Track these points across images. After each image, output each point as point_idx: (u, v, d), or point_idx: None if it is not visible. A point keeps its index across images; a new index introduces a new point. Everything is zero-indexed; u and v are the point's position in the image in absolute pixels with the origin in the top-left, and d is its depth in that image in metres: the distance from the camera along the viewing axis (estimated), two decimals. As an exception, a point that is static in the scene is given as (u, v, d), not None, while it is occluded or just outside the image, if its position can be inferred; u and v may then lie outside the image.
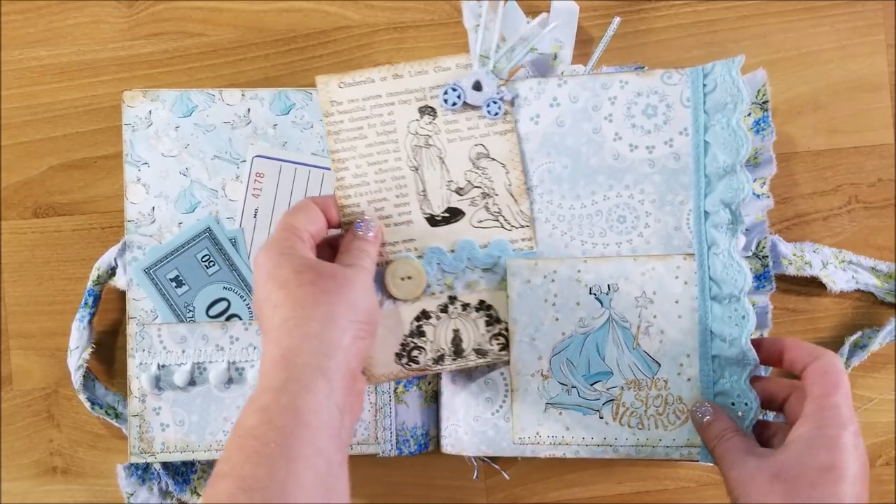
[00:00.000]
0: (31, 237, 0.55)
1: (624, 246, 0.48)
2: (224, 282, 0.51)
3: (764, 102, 0.49)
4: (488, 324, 0.48)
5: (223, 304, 0.51)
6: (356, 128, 0.48)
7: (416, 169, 0.48)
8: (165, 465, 0.53)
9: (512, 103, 0.49)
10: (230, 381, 0.51)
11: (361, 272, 0.43)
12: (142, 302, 0.51)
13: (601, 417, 0.49)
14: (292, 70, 0.55)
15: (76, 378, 0.52)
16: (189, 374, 0.51)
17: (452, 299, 0.48)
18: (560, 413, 0.49)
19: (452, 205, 0.48)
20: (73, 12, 0.55)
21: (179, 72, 0.55)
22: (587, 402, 0.49)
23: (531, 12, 0.53)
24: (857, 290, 0.53)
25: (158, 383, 0.51)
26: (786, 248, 0.52)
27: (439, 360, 0.48)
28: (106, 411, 0.52)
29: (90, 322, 0.52)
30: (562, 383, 0.49)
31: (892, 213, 0.54)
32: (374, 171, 0.48)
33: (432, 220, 0.48)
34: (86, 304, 0.52)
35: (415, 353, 0.48)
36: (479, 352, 0.48)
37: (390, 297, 0.48)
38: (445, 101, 0.48)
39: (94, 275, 0.52)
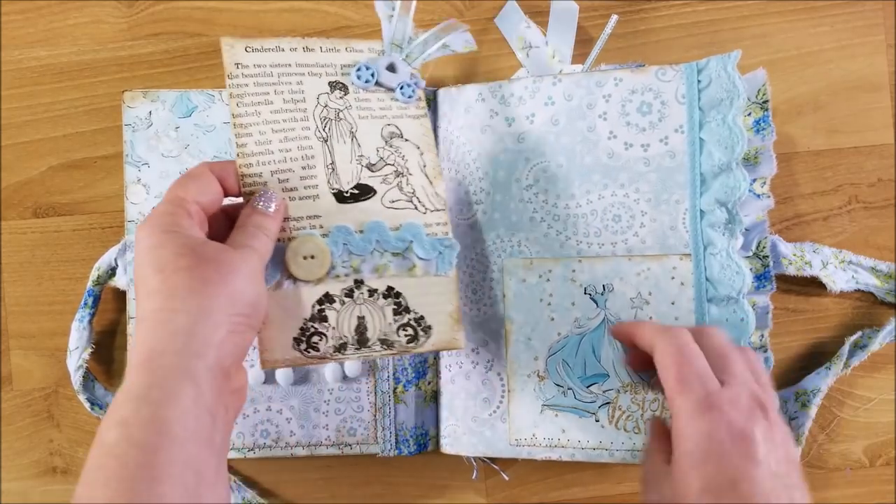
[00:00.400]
0: (31, 237, 0.55)
1: (619, 246, 0.48)
2: (224, 282, 0.51)
3: (764, 102, 0.49)
4: (396, 312, 0.44)
5: (223, 304, 0.51)
6: (262, 93, 0.45)
7: (326, 140, 0.45)
8: (165, 464, 0.53)
9: (429, 95, 0.50)
10: (230, 381, 0.51)
11: (251, 255, 0.39)
12: (142, 302, 0.51)
13: (597, 420, 0.48)
14: (292, 70, 0.55)
15: (76, 379, 0.52)
16: (189, 374, 0.51)
17: (358, 283, 0.44)
18: (556, 415, 0.49)
19: (363, 181, 0.45)
20: (73, 12, 0.55)
21: (179, 72, 0.55)
22: (583, 404, 0.49)
23: (531, 12, 0.54)
24: (857, 290, 0.53)
25: (158, 383, 0.51)
26: (786, 248, 0.51)
27: (341, 348, 0.43)
28: (105, 411, 0.52)
29: (90, 322, 0.52)
30: (558, 385, 0.49)
31: (892, 213, 0.54)
32: (279, 138, 0.44)
33: (340, 197, 0.44)
34: (85, 304, 0.52)
35: (315, 339, 0.43)
36: (385, 342, 0.44)
37: (291, 276, 0.43)
38: (359, 77, 0.46)
39: (93, 275, 0.52)
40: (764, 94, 0.49)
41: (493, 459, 0.53)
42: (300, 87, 0.45)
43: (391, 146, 0.46)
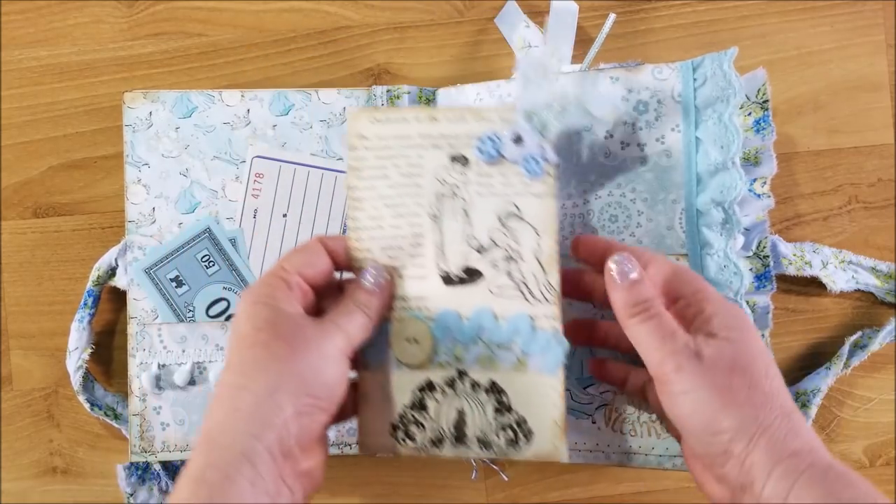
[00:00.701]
0: (31, 237, 0.55)
1: (617, 246, 0.48)
2: (224, 282, 0.51)
3: (764, 102, 0.49)
4: (498, 411, 0.42)
5: (223, 304, 0.51)
6: (379, 166, 0.43)
7: (437, 219, 0.43)
8: (165, 465, 0.53)
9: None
10: (230, 381, 0.51)
11: (335, 334, 0.38)
12: (142, 302, 0.51)
13: (594, 422, 0.48)
14: (292, 70, 0.55)
15: (75, 379, 0.52)
16: (189, 374, 0.51)
17: (462, 374, 0.42)
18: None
19: (471, 264, 0.43)
20: (73, 12, 0.55)
21: (179, 72, 0.55)
22: (580, 405, 0.48)
23: (531, 12, 0.54)
24: (857, 290, 0.53)
25: (159, 383, 0.51)
26: (786, 248, 0.51)
27: (437, 442, 0.42)
28: (105, 412, 0.52)
29: (90, 323, 0.52)
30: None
31: (892, 213, 0.54)
32: (391, 214, 0.43)
33: (448, 279, 0.43)
34: (85, 304, 0.52)
35: (413, 428, 0.42)
36: (483, 442, 0.42)
37: (394, 358, 0.42)
38: (481, 150, 0.42)
39: (93, 275, 0.52)
40: (764, 94, 0.49)
41: (492, 460, 0.53)
42: (419, 161, 0.43)
43: (505, 228, 0.42)
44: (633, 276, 0.39)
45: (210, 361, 0.51)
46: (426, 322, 0.42)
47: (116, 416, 0.53)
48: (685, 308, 0.39)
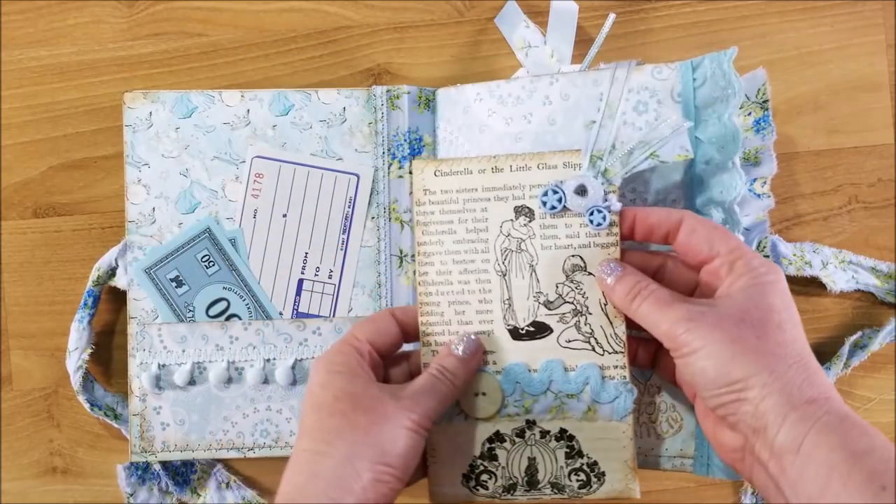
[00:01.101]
0: (31, 237, 0.55)
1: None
2: (224, 282, 0.51)
3: (764, 102, 0.49)
4: (569, 456, 0.43)
5: (223, 304, 0.51)
6: (446, 221, 0.44)
7: (504, 275, 0.43)
8: (165, 465, 0.53)
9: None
10: (230, 380, 0.51)
11: (413, 410, 0.39)
12: (142, 302, 0.51)
13: None
14: (292, 70, 0.55)
15: (75, 380, 0.52)
16: (189, 374, 0.51)
17: (531, 424, 0.43)
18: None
19: (539, 319, 0.43)
20: (73, 12, 0.55)
21: (179, 72, 0.55)
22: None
23: (531, 12, 0.54)
24: (857, 290, 0.53)
25: (159, 383, 0.51)
26: (786, 248, 0.51)
27: (510, 489, 0.43)
28: (105, 412, 0.52)
29: (90, 323, 0.52)
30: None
31: (892, 213, 0.54)
32: (458, 269, 0.44)
33: (515, 333, 0.43)
34: (85, 304, 0.52)
35: (484, 477, 0.43)
36: (556, 486, 0.43)
37: (462, 412, 0.43)
38: (544, 203, 0.42)
39: (93, 275, 0.52)
40: (764, 94, 0.49)
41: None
42: (484, 215, 0.43)
43: (572, 282, 0.43)
44: (619, 271, 0.41)
45: (210, 361, 0.51)
46: (494, 376, 0.43)
47: (116, 417, 0.53)
48: (720, 267, 0.39)
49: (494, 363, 0.43)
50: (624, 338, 0.42)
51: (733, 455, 0.38)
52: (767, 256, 0.49)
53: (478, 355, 0.42)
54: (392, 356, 0.44)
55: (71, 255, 0.55)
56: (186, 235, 0.51)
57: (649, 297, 0.39)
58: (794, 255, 0.52)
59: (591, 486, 0.43)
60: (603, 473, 0.43)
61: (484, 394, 0.43)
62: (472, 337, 0.42)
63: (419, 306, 0.44)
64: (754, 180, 0.49)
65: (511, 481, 0.43)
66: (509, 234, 0.43)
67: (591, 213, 0.42)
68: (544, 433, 0.43)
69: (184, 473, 0.54)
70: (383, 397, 0.39)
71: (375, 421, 0.37)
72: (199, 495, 0.54)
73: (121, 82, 0.55)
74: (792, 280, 0.52)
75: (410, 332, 0.44)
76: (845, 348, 0.52)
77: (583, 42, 0.53)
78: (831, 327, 0.54)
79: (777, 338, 0.36)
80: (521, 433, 0.43)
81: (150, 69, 0.55)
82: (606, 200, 0.42)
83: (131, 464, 0.52)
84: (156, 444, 0.51)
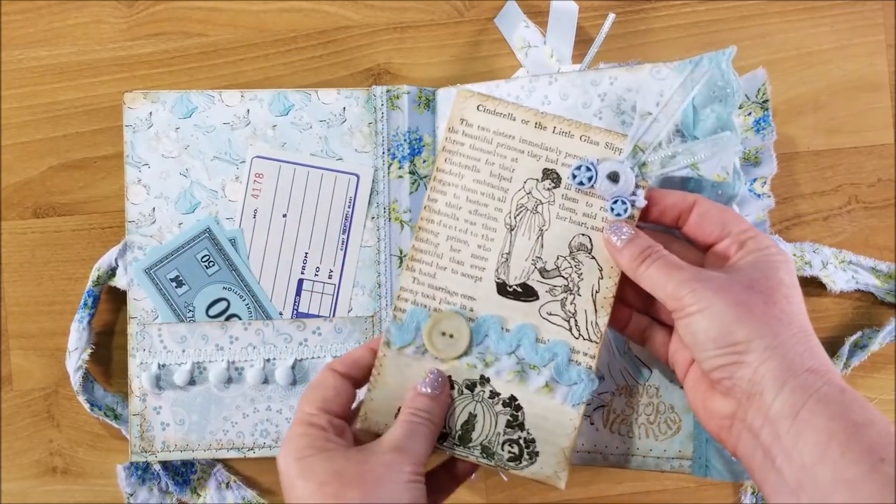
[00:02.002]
0: (31, 237, 0.55)
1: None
2: (223, 282, 0.51)
3: (764, 102, 0.49)
4: (510, 425, 0.42)
5: (223, 304, 0.51)
6: (473, 157, 0.43)
7: (512, 229, 0.42)
8: (165, 465, 0.53)
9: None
10: (229, 380, 0.51)
11: (403, 461, 0.38)
12: (142, 302, 0.51)
13: (592, 423, 0.48)
14: (292, 70, 0.55)
15: (75, 380, 0.52)
16: (189, 374, 0.51)
17: (484, 380, 0.42)
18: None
19: (530, 283, 0.42)
20: (73, 12, 0.55)
21: (179, 72, 0.55)
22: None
23: (531, 12, 0.54)
24: (857, 290, 0.53)
25: (159, 382, 0.51)
26: (786, 247, 0.52)
27: (441, 438, 0.42)
28: (105, 413, 0.52)
29: (89, 323, 0.52)
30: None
31: (892, 213, 0.54)
32: (469, 209, 0.43)
33: (502, 289, 0.42)
34: (85, 304, 0.52)
35: None
36: (486, 451, 0.42)
37: (422, 346, 0.42)
38: (574, 176, 0.42)
39: (93, 275, 0.52)
40: (764, 94, 0.49)
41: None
42: (513, 165, 0.43)
43: (573, 259, 0.42)
44: (630, 233, 0.40)
45: (210, 361, 0.51)
46: (467, 322, 0.42)
47: (116, 417, 0.53)
48: (729, 246, 0.39)
49: (472, 310, 0.42)
50: (604, 330, 0.42)
51: (721, 423, 0.37)
52: (767, 256, 0.49)
53: (446, 389, 0.42)
54: (353, 412, 0.42)
55: (71, 255, 0.55)
56: (186, 235, 0.51)
57: (658, 259, 0.39)
58: (794, 255, 0.52)
59: (520, 462, 0.42)
60: (536, 453, 0.42)
61: (451, 336, 0.42)
62: (435, 372, 0.42)
63: (417, 230, 0.43)
64: (754, 180, 0.49)
65: (445, 430, 0.42)
66: (530, 193, 0.43)
67: (615, 202, 0.41)
68: (494, 394, 0.42)
69: (184, 473, 0.54)
70: (368, 461, 0.37)
71: (370, 490, 0.36)
72: (199, 495, 0.54)
73: (121, 82, 0.55)
74: (792, 280, 0.52)
75: (359, 377, 0.42)
76: (845, 348, 0.52)
77: (583, 42, 0.53)
78: (831, 327, 0.54)
79: (784, 307, 0.36)
80: (471, 386, 0.42)
81: (149, 69, 0.55)
82: (635, 194, 0.41)
83: (131, 464, 0.52)
84: (156, 443, 0.51)
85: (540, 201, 0.42)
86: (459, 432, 0.42)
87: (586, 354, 0.42)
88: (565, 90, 0.48)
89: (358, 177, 0.52)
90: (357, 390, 0.42)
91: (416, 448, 0.38)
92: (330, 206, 0.52)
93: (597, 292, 0.42)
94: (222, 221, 0.51)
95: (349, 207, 0.52)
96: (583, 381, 0.42)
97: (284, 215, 0.52)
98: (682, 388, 0.44)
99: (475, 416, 0.42)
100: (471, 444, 0.42)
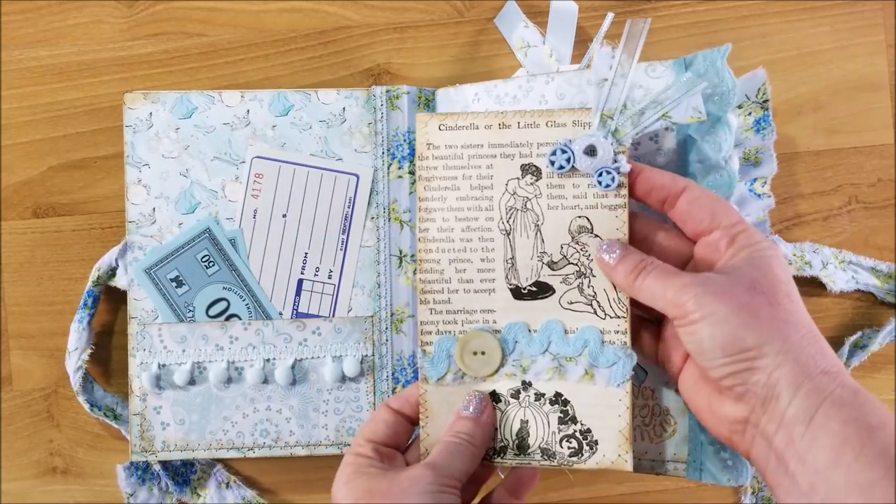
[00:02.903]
0: (31, 237, 0.55)
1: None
2: (224, 282, 0.51)
3: (764, 101, 0.49)
4: (562, 421, 0.42)
5: (223, 304, 0.51)
6: (450, 177, 0.43)
7: (508, 234, 0.42)
8: (165, 465, 0.53)
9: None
10: (229, 380, 0.51)
11: (423, 475, 0.38)
12: (143, 302, 0.51)
13: None
14: (292, 70, 0.55)
15: (75, 380, 0.52)
16: (189, 374, 0.51)
17: (526, 385, 0.42)
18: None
19: (542, 279, 0.42)
20: (73, 12, 0.55)
21: (179, 72, 0.55)
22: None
23: (531, 12, 0.54)
24: (857, 290, 0.53)
25: (159, 382, 0.51)
26: (786, 248, 0.52)
27: (500, 452, 0.42)
28: (105, 413, 0.52)
29: (89, 323, 0.52)
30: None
31: (892, 213, 0.54)
32: (461, 227, 0.43)
33: (517, 293, 0.42)
34: (85, 304, 0.52)
35: None
36: (546, 452, 0.42)
37: (458, 371, 0.43)
38: (552, 162, 0.42)
39: (93, 276, 0.52)
40: (764, 94, 0.48)
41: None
42: (489, 172, 0.43)
43: (577, 243, 0.42)
44: (620, 251, 0.40)
45: (210, 361, 0.51)
46: (494, 335, 0.42)
47: (116, 417, 0.53)
48: (719, 239, 0.39)
49: (495, 322, 0.42)
50: (627, 302, 0.42)
51: (732, 427, 0.37)
52: (767, 256, 0.49)
53: (488, 410, 0.42)
54: (407, 445, 0.44)
55: (71, 255, 0.55)
56: (186, 235, 0.51)
57: (654, 270, 0.38)
58: (794, 255, 0.52)
59: (582, 454, 0.42)
60: (596, 442, 0.42)
61: (483, 353, 0.42)
62: (479, 395, 0.42)
63: (418, 262, 0.43)
64: (754, 180, 0.49)
65: (502, 444, 0.42)
66: (515, 193, 0.42)
67: (600, 174, 0.41)
68: (539, 395, 0.42)
69: (184, 473, 0.54)
70: (398, 477, 0.39)
71: (395, 500, 0.37)
72: (199, 495, 0.54)
73: (121, 82, 0.55)
74: (792, 280, 0.52)
75: (412, 415, 0.43)
76: (845, 348, 0.52)
77: (582, 42, 0.53)
78: (831, 327, 0.54)
79: (788, 307, 0.36)
80: (516, 394, 0.42)
81: (149, 69, 0.55)
82: (616, 161, 0.41)
83: (131, 464, 0.52)
84: (156, 443, 0.51)
85: (527, 198, 0.42)
86: (516, 441, 0.42)
87: (617, 332, 0.42)
88: (562, 89, 0.48)
89: (358, 177, 0.52)
90: (415, 426, 0.44)
91: (450, 464, 0.39)
92: (330, 206, 0.52)
93: None
94: (222, 221, 0.51)
95: (349, 207, 0.52)
96: (620, 358, 0.42)
97: (284, 215, 0.52)
98: (676, 391, 0.44)
99: (527, 421, 0.42)
100: (530, 451, 0.42)
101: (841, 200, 0.54)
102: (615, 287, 0.42)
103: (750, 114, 0.49)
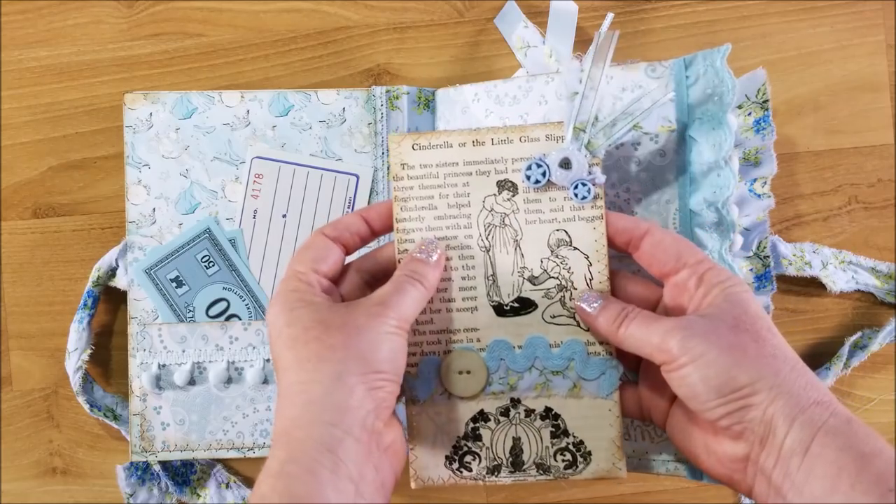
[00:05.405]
0: (31, 237, 0.55)
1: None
2: (223, 282, 0.51)
3: (764, 101, 0.48)
4: (554, 435, 0.42)
5: (223, 305, 0.51)
6: (426, 196, 0.42)
7: (488, 250, 0.42)
8: (165, 465, 0.53)
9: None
10: (229, 380, 0.51)
11: (387, 315, 0.38)
12: (143, 302, 0.51)
13: None
14: (292, 71, 0.55)
15: (75, 381, 0.52)
16: (189, 374, 0.51)
17: (515, 402, 0.42)
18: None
19: (524, 294, 0.42)
20: (73, 12, 0.55)
21: (179, 72, 0.55)
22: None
23: (531, 12, 0.54)
24: (857, 291, 0.53)
25: (159, 383, 0.51)
26: (786, 248, 0.51)
27: (494, 470, 0.42)
28: (104, 413, 0.52)
29: (89, 323, 0.52)
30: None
31: (892, 213, 0.54)
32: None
33: (500, 310, 0.42)
34: (85, 305, 0.52)
35: (468, 458, 0.42)
36: (541, 467, 0.42)
37: (445, 391, 0.42)
38: (528, 177, 0.42)
39: (93, 276, 0.52)
40: (764, 94, 0.48)
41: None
42: (466, 189, 0.42)
43: (557, 257, 0.42)
44: (600, 302, 0.40)
45: (210, 361, 0.51)
46: (478, 353, 0.42)
47: (115, 417, 0.53)
48: (687, 279, 0.39)
49: (479, 340, 0.42)
50: None
51: (733, 467, 0.37)
52: (767, 257, 0.49)
53: (442, 256, 0.41)
54: (340, 276, 0.42)
55: (71, 256, 0.55)
56: (186, 236, 0.51)
57: (637, 317, 0.38)
58: (794, 255, 0.52)
59: (577, 467, 0.42)
60: (589, 453, 0.42)
61: (468, 372, 0.42)
62: (430, 240, 0.42)
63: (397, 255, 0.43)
64: (754, 180, 0.49)
65: (495, 462, 0.42)
66: (492, 209, 0.42)
67: (576, 187, 0.41)
68: (529, 412, 0.42)
69: (183, 474, 0.54)
70: (351, 312, 0.37)
71: (350, 335, 0.36)
72: (199, 495, 0.54)
73: (121, 82, 0.55)
74: (792, 280, 0.52)
75: (348, 243, 0.42)
76: (845, 348, 0.52)
77: (582, 42, 0.53)
78: (831, 327, 0.54)
79: (772, 341, 0.36)
80: (505, 412, 0.42)
81: (149, 69, 0.55)
82: (591, 173, 0.41)
83: (131, 464, 0.52)
84: (156, 443, 0.51)
85: (505, 214, 0.42)
86: (511, 458, 0.42)
87: (601, 343, 0.42)
88: (561, 90, 0.48)
89: (357, 177, 0.52)
90: (346, 256, 0.42)
91: (403, 304, 0.38)
92: (329, 206, 0.52)
93: (591, 279, 0.42)
94: (222, 222, 0.51)
95: (349, 208, 0.52)
96: (606, 370, 0.42)
97: (284, 216, 0.52)
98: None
99: (519, 438, 0.42)
100: (525, 467, 0.42)
101: (841, 201, 0.54)
102: None
103: (750, 114, 0.49)
